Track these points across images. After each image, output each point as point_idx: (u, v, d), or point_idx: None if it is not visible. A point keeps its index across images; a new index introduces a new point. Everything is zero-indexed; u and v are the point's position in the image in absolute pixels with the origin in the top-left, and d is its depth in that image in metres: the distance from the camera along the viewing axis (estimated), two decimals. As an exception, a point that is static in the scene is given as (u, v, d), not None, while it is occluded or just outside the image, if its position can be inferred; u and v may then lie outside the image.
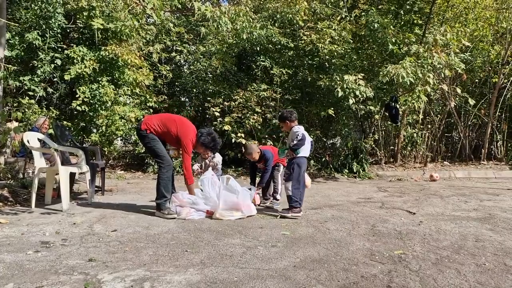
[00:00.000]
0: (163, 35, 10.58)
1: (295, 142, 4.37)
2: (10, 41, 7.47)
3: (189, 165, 4.43)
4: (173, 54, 10.80)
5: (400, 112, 9.42)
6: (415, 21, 9.64)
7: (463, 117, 11.16)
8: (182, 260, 2.85)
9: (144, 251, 3.04)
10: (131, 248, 3.12)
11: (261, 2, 10.44)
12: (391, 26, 8.56)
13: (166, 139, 4.57)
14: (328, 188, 7.20)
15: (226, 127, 8.63)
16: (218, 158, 6.08)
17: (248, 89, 9.26)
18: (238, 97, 8.99)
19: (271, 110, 9.03)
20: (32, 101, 7.19)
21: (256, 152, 5.10)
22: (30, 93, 7.48)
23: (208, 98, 9.38)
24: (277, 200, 5.18)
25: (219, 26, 7.78)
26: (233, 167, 9.42)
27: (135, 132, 8.80)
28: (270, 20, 9.80)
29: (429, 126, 10.78)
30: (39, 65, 7.63)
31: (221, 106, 9.04)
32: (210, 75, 10.51)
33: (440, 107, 11.19)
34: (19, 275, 2.50)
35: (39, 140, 5.22)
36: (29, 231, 3.60)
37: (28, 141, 4.91)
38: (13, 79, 7.44)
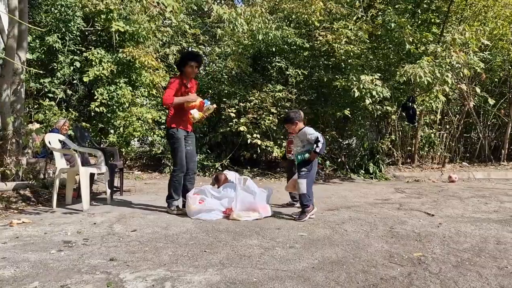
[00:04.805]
0: (179, 37, 10.68)
1: (320, 146, 4.33)
2: (31, 44, 7.64)
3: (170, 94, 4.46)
4: (189, 55, 10.87)
5: (417, 112, 9.30)
6: (433, 20, 9.50)
7: (482, 117, 10.94)
8: (201, 260, 2.88)
9: (163, 251, 3.09)
10: (150, 248, 3.17)
11: (277, 3, 10.42)
12: (408, 26, 8.45)
13: (185, 108, 4.58)
14: (344, 189, 7.16)
15: (242, 128, 8.65)
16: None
17: (264, 90, 9.26)
18: (254, 98, 9.00)
19: (287, 110, 9.02)
20: (52, 103, 7.36)
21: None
22: (50, 95, 7.63)
23: (224, 99, 9.42)
24: None
25: (234, 27, 7.82)
26: (248, 167, 9.44)
27: (152, 133, 8.95)
28: (286, 20, 9.79)
29: (447, 126, 10.60)
30: (59, 68, 7.79)
31: (236, 107, 9.06)
32: (226, 76, 10.54)
33: (458, 107, 11.00)
34: (44, 274, 2.56)
35: (59, 141, 5.33)
36: (52, 231, 3.69)
37: (49, 142, 5.02)
38: (34, 82, 7.61)
